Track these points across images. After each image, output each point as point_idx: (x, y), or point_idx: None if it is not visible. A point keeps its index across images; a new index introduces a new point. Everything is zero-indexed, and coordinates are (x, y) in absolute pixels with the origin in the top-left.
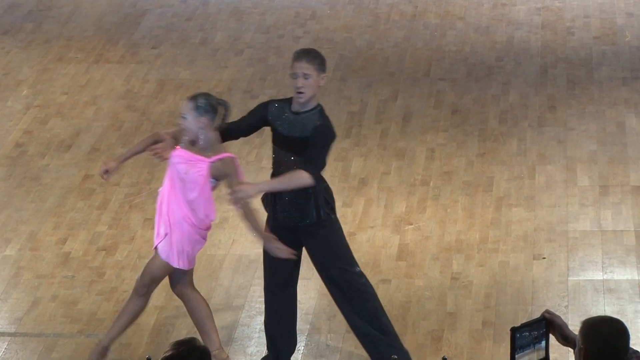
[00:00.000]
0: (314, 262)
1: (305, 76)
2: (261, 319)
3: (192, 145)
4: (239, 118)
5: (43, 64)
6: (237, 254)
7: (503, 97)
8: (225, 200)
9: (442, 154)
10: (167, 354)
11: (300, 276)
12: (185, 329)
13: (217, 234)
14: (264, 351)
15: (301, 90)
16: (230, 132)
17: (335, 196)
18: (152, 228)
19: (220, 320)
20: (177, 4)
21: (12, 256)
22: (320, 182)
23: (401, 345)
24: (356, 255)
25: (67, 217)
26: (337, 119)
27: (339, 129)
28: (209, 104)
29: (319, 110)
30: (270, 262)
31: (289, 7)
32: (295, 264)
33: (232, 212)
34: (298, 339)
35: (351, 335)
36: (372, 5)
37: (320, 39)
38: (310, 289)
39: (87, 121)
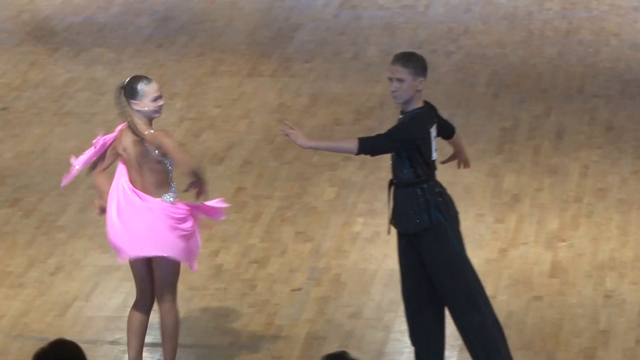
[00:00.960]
0: (428, 270)
1: (399, 80)
2: None
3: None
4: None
5: (196, 77)
6: (389, 268)
7: None
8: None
9: (595, 170)
10: None
11: None
12: (336, 342)
13: (370, 248)
14: None
15: (395, 94)
16: None
17: (487, 212)
18: (304, 242)
19: (372, 334)
20: (330, 19)
21: None
22: (432, 185)
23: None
24: (508, 272)
25: (219, 230)
26: (489, 134)
27: (491, 145)
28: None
29: (414, 111)
30: (405, 273)
31: (442, 22)
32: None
33: (384, 227)
34: (449, 354)
35: None
36: (525, 21)
37: (472, 55)
38: None
39: (239, 134)
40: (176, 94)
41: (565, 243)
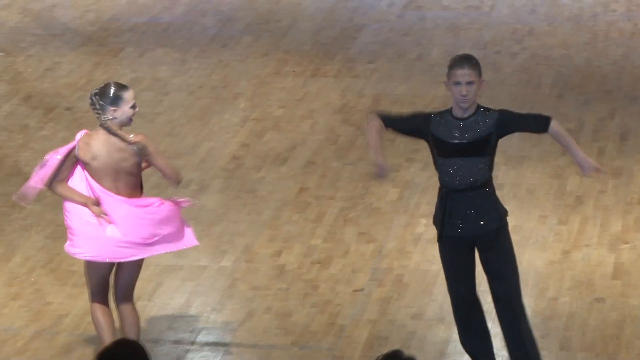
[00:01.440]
0: (492, 270)
1: (469, 83)
2: None
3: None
4: (387, 113)
5: (260, 77)
6: None
7: None
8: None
9: None
10: None
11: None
12: (398, 343)
13: (432, 249)
14: None
15: (466, 96)
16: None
17: (550, 213)
18: (367, 242)
19: (433, 335)
20: (394, 19)
21: (227, 267)
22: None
23: None
24: (570, 274)
25: (282, 230)
26: None
27: (555, 147)
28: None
29: (481, 107)
30: (459, 276)
31: (507, 23)
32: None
33: None
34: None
35: (565, 353)
36: (590, 22)
37: (537, 56)
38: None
39: (303, 135)
40: (240, 94)
41: (628, 245)
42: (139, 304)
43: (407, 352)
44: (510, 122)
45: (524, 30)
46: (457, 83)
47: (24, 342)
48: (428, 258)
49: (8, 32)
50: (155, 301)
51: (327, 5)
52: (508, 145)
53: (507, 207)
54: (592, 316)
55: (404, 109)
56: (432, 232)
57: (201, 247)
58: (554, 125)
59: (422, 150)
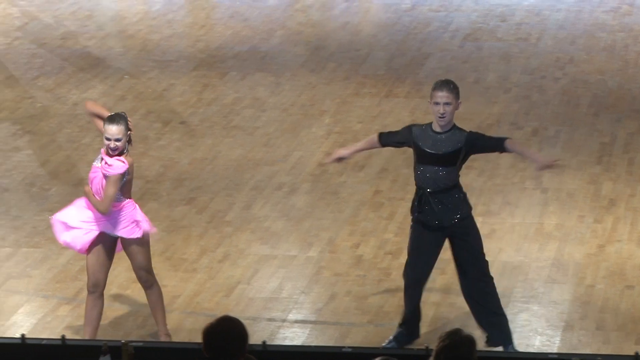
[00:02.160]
0: (466, 255)
1: (447, 104)
2: (523, 316)
3: None
4: (388, 132)
5: (342, 97)
6: (503, 260)
7: None
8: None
9: None
10: (443, 344)
11: (560, 280)
12: (458, 322)
13: (487, 243)
14: (525, 344)
15: (444, 115)
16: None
17: (587, 213)
18: None
19: None
20: (455, 49)
21: (314, 257)
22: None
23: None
24: (605, 265)
25: (360, 226)
26: (589, 148)
27: (591, 157)
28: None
29: (456, 126)
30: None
31: (551, 53)
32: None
33: (499, 225)
34: (552, 333)
35: (600, 332)
36: (622, 52)
37: (576, 80)
38: (565, 291)
39: None
40: (325, 112)
41: None
42: (238, 287)
43: (465, 330)
44: (476, 142)
45: (565, 59)
46: (437, 103)
47: (143, 319)
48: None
49: (132, 58)
50: (253, 285)
51: (399, 37)
52: (552, 155)
53: (550, 208)
54: (624, 301)
55: (463, 125)
56: (487, 228)
57: (292, 240)
58: (507, 143)
59: (478, 159)
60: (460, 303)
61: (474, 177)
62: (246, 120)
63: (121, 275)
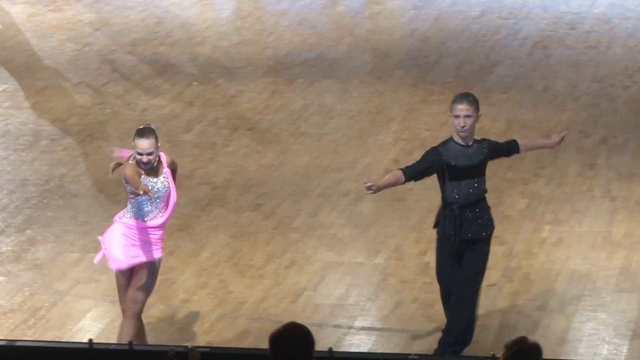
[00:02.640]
0: (474, 268)
1: (467, 117)
2: (591, 325)
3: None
4: (408, 166)
5: (410, 104)
6: (571, 268)
7: None
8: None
9: None
10: (510, 352)
11: (628, 289)
12: (524, 330)
13: (555, 251)
14: (593, 353)
15: (465, 128)
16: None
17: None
18: (499, 244)
19: (555, 324)
20: (524, 57)
21: (380, 264)
22: None
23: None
24: None
25: (426, 233)
26: None
27: None
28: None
29: (475, 138)
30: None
31: (620, 61)
32: None
33: (567, 233)
34: (619, 342)
35: None
36: None
37: None
38: (633, 300)
39: None
40: (392, 119)
41: None
42: (305, 294)
43: (531, 338)
44: (496, 149)
45: (634, 67)
46: (457, 116)
47: (210, 324)
48: (551, 258)
49: (201, 64)
50: (319, 291)
51: (468, 44)
52: (620, 163)
53: (618, 216)
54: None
55: (532, 134)
56: (555, 236)
57: (358, 247)
58: (520, 144)
59: (546, 167)
60: (527, 311)
61: (542, 185)
62: (313, 127)
63: (188, 281)
